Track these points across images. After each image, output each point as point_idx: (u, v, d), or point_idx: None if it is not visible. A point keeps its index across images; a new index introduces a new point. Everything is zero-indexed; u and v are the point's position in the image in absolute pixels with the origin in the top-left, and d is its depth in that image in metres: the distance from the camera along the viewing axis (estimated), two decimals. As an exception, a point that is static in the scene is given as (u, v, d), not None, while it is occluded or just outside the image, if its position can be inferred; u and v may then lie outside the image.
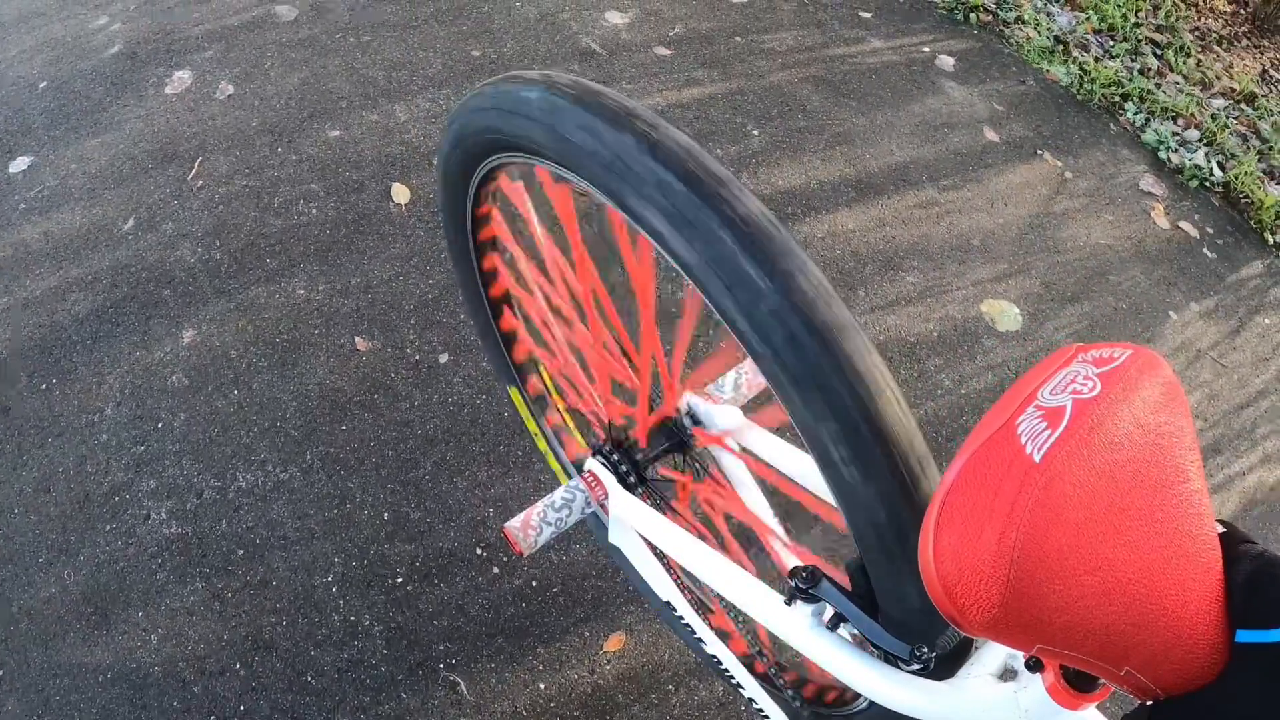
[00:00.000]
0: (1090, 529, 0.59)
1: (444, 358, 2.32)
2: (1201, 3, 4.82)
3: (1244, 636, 0.62)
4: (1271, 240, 3.48)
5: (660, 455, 1.34)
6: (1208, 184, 3.56)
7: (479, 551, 2.01)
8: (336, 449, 2.13)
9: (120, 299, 2.41)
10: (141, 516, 2.03)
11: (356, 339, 2.34)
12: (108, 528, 2.01)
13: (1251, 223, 3.52)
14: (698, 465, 1.39)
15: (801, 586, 0.94)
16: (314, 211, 2.63)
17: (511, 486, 2.11)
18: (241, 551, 1.98)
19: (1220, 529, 0.67)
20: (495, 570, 1.99)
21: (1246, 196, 3.59)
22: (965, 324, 2.65)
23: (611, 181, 0.91)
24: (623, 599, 1.98)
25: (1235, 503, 2.55)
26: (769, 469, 1.26)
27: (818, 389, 0.83)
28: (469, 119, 1.12)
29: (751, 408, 1.33)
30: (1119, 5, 4.26)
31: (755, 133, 3.00)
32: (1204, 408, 2.74)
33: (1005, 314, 2.72)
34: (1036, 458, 0.59)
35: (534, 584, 1.98)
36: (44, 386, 2.24)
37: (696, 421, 1.31)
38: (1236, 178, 3.62)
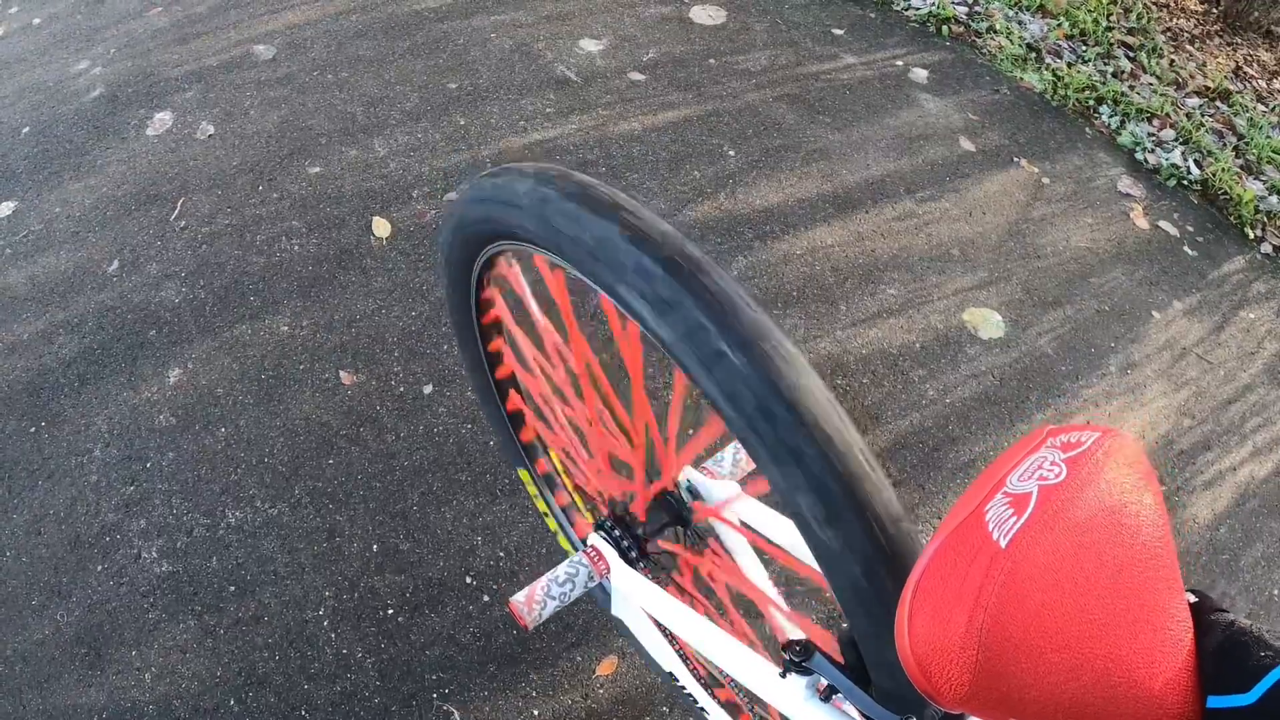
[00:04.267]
0: (1056, 609, 0.61)
1: (428, 389, 2.33)
2: (1173, 3, 4.86)
3: (1214, 702, 0.63)
4: (1251, 235, 3.51)
5: (660, 530, 1.36)
6: (1186, 182, 3.59)
7: (469, 580, 2.02)
8: (324, 483, 2.15)
9: (106, 340, 2.43)
10: (132, 556, 2.04)
11: (341, 373, 2.35)
12: (99, 568, 2.02)
13: (1231, 219, 3.54)
14: (698, 538, 1.40)
15: (795, 659, 0.96)
16: (296, 248, 2.65)
17: (499, 514, 2.12)
18: (232, 588, 1.99)
19: (1192, 599, 0.70)
20: (485, 599, 2.00)
21: (1225, 193, 3.61)
22: (948, 333, 2.67)
23: (597, 269, 0.94)
24: (613, 624, 1.99)
25: (1228, 498, 2.56)
26: (767, 542, 1.27)
27: (794, 464, 0.84)
28: (468, 210, 1.15)
29: (749, 481, 1.32)
30: (1090, 10, 4.30)
31: (732, 153, 3.02)
32: (1191, 405, 2.76)
33: (988, 321, 2.74)
34: (1003, 543, 0.62)
35: (525, 610, 1.99)
36: (33, 429, 2.26)
37: (695, 495, 1.33)
38: (1214, 175, 3.65)
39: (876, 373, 2.52)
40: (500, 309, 1.42)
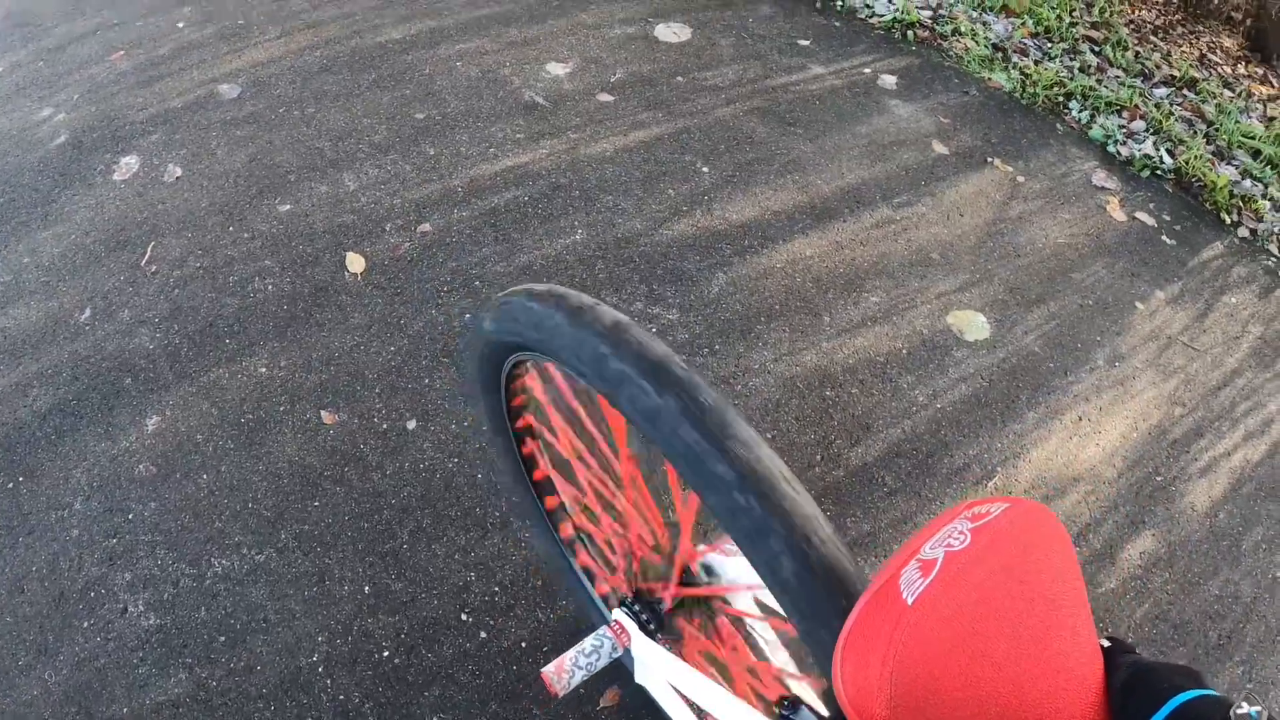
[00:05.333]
0: (959, 654, 0.71)
1: (412, 424, 2.30)
2: (1134, -3, 4.90)
3: None
4: (1228, 220, 3.52)
5: (677, 606, 1.47)
6: (1159, 172, 3.60)
7: (464, 617, 1.98)
8: (311, 526, 2.11)
9: (82, 391, 2.39)
10: (119, 610, 1.99)
11: (322, 413, 2.32)
12: (85, 624, 1.98)
13: (1207, 205, 3.55)
14: (712, 612, 1.50)
15: (784, 714, 1.14)
16: (270, 288, 2.62)
17: (491, 549, 2.08)
18: (223, 638, 1.95)
19: (1105, 644, 0.78)
20: (483, 635, 1.96)
21: (1199, 179, 3.62)
22: (933, 338, 2.66)
23: (598, 382, 1.10)
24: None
25: (1225, 484, 2.55)
26: (777, 617, 1.37)
27: (766, 544, 0.97)
28: (495, 326, 1.30)
29: None
30: (1053, 7, 4.32)
31: (705, 169, 3.01)
32: (1181, 393, 2.75)
33: (972, 323, 2.73)
34: (909, 601, 0.73)
35: (523, 645, 1.95)
36: (10, 485, 2.21)
37: (710, 573, 1.42)
38: (1187, 162, 3.65)
39: (864, 381, 2.50)
40: (530, 413, 1.58)
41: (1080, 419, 2.58)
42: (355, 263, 2.68)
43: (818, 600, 0.96)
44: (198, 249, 2.73)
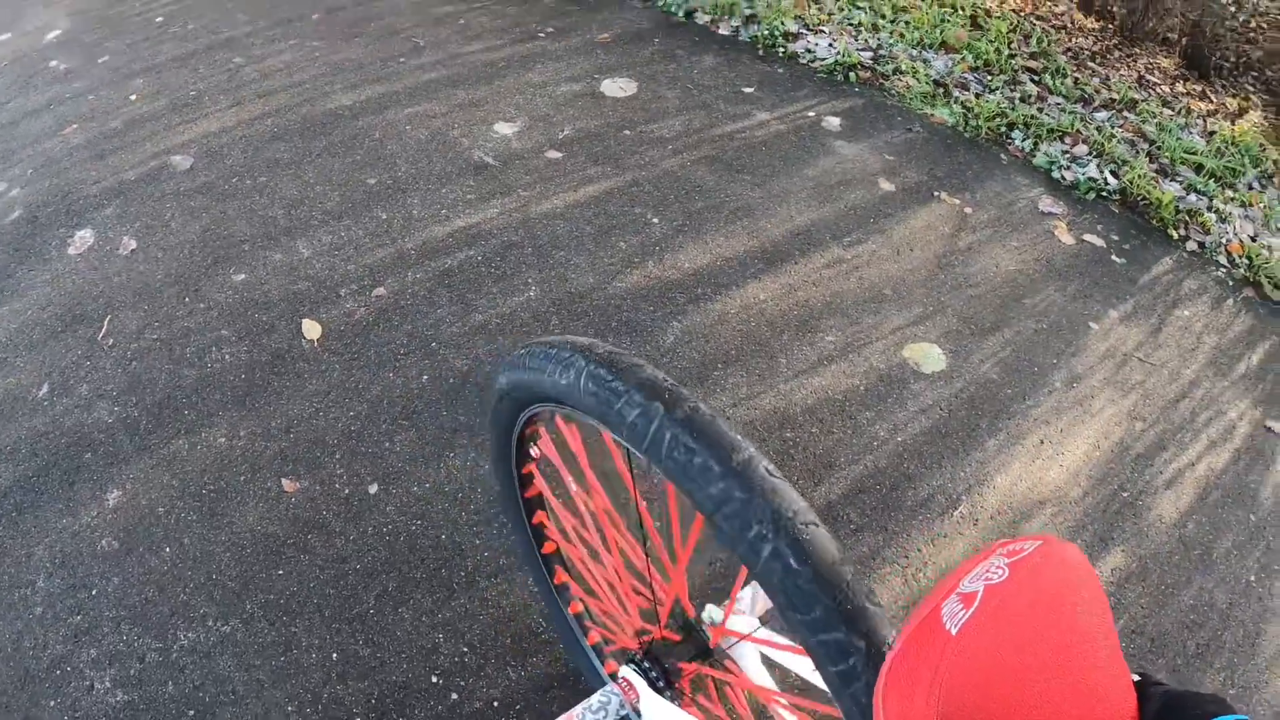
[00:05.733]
0: (1004, 684, 0.71)
1: (373, 488, 2.31)
2: (1070, 24, 5.01)
3: None
4: (1175, 235, 3.58)
5: (686, 661, 1.47)
6: (1104, 194, 3.66)
7: (435, 680, 1.98)
8: (276, 595, 2.11)
9: (42, 467, 2.39)
10: (85, 688, 1.98)
11: (284, 480, 2.33)
12: (52, 703, 1.96)
13: (1154, 222, 3.62)
14: (720, 667, 1.51)
15: None
16: (227, 357, 2.64)
17: (458, 609, 2.08)
18: (192, 712, 1.94)
19: (1136, 678, 0.78)
20: (454, 696, 1.96)
21: (1144, 198, 3.69)
22: (890, 372, 2.69)
23: (608, 416, 1.10)
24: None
25: (1191, 494, 2.59)
26: (782, 668, 1.41)
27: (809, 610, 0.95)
28: (511, 376, 1.31)
29: (768, 618, 1.48)
30: (991, 40, 4.41)
31: (655, 220, 3.05)
32: (1140, 408, 2.79)
33: (928, 356, 2.76)
34: (953, 632, 0.73)
35: (495, 704, 1.95)
36: (-28, 568, 2.21)
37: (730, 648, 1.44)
38: (1131, 182, 3.72)
39: (824, 420, 2.53)
40: (539, 481, 1.59)
41: (1042, 442, 2.61)
42: (312, 329, 2.71)
43: (861, 669, 0.96)
44: (154, 321, 2.75)
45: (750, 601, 1.52)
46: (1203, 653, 2.26)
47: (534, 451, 1.52)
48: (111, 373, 2.62)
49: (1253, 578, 2.47)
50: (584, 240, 2.99)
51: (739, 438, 1.03)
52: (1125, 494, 2.55)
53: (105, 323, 2.76)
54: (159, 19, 4.79)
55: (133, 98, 3.88)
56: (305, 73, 4.00)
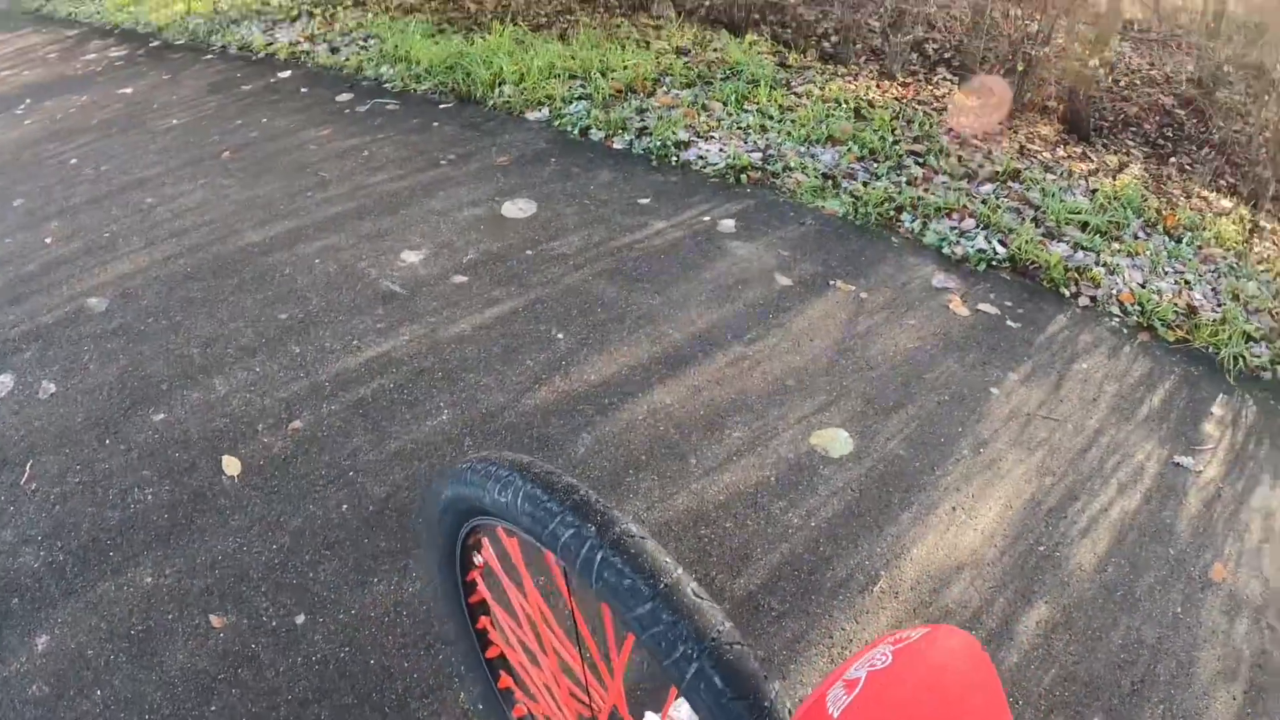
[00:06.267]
0: None
1: (300, 619, 2.32)
2: (949, 107, 5.23)
3: None
4: (1067, 293, 3.73)
5: None
6: (995, 263, 3.81)
7: (371, 824, 1.99)
8: (208, 747, 2.11)
9: (-33, 621, 2.38)
10: None
11: (211, 617, 2.33)
12: None
13: (1044, 283, 3.77)
14: None
15: None
16: (150, 498, 2.65)
17: (389, 743, 2.10)
18: None
19: None
20: (391, 839, 1.97)
21: (1033, 262, 3.85)
22: (799, 461, 2.76)
23: (543, 535, 1.13)
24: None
25: (1107, 538, 2.66)
26: None
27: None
28: (454, 490, 1.34)
29: None
30: (875, 130, 4.61)
31: (560, 336, 3.13)
32: (1048, 463, 2.88)
33: (836, 440, 2.84)
34: (835, 716, 0.77)
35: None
36: (-100, 736, 2.18)
37: None
38: (1019, 248, 3.88)
39: (738, 515, 2.58)
40: (481, 588, 1.60)
41: (955, 509, 2.69)
42: (231, 465, 2.73)
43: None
44: (76, 464, 2.76)
45: (688, 712, 1.55)
46: (1138, 689, 2.31)
47: (477, 559, 1.55)
48: (35, 517, 2.62)
49: (1179, 609, 2.54)
50: (492, 361, 3.07)
51: (668, 560, 1.07)
52: (1042, 548, 2.62)
53: (27, 467, 2.76)
54: (73, 160, 4.88)
55: (48, 240, 3.94)
56: (216, 211, 4.09)
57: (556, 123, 4.71)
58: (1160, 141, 6.16)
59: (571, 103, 4.75)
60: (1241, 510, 2.96)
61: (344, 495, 2.62)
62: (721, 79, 5.01)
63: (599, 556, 1.06)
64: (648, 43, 5.53)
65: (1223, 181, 5.78)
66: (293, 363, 3.10)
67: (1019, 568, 2.55)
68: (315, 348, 3.16)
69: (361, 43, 6.17)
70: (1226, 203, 5.30)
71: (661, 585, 1.03)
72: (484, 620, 1.69)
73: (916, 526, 2.61)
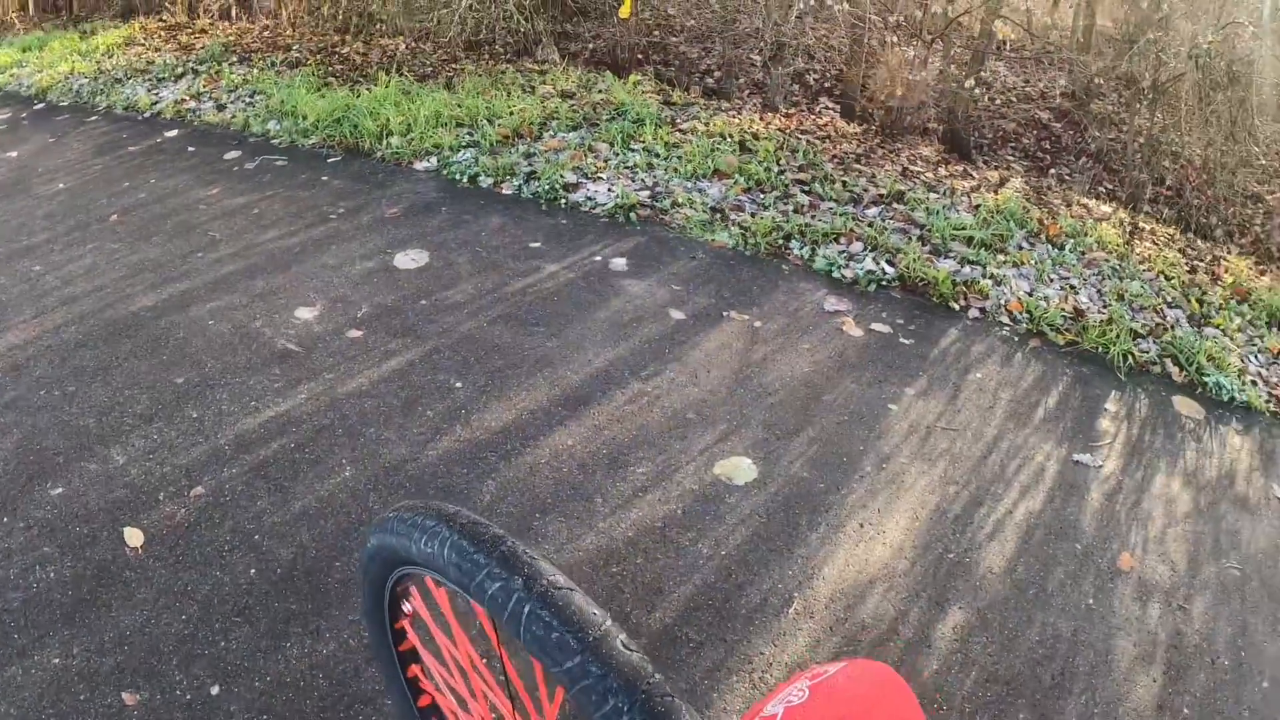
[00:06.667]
0: None
1: (215, 689, 2.25)
2: (834, 133, 5.36)
3: None
4: (957, 307, 3.82)
5: None
6: (884, 283, 3.89)
7: None
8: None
9: None
10: None
11: (124, 694, 2.24)
12: None
13: (934, 299, 3.86)
14: None
15: None
16: (51, 575, 2.55)
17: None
18: None
19: None
20: None
21: (921, 279, 3.94)
22: (705, 491, 2.77)
23: (470, 587, 1.12)
24: None
25: (1015, 540, 2.73)
26: None
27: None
28: (380, 539, 1.33)
29: None
30: (760, 161, 4.69)
31: (459, 385, 3.11)
32: (951, 472, 2.93)
33: (739, 469, 2.85)
34: None
35: None
36: None
37: None
38: (908, 267, 3.97)
39: (648, 550, 2.58)
40: (412, 636, 1.58)
41: (862, 525, 2.72)
42: (134, 537, 2.65)
43: None
44: None
45: None
46: (1059, 682, 2.35)
47: (406, 608, 1.53)
48: (-68, 606, 2.51)
49: (1091, 601, 2.60)
50: (392, 414, 3.03)
51: (596, 612, 1.06)
52: (951, 555, 2.66)
53: (-81, 558, 2.65)
54: (-45, 232, 4.73)
55: (-68, 318, 3.81)
56: (106, 275, 3.98)
57: (445, 171, 4.70)
58: (1039, 154, 6.38)
59: (459, 151, 4.75)
60: (1143, 500, 3.05)
61: (251, 559, 2.56)
62: (607, 120, 5.06)
63: (526, 610, 1.05)
64: (533, 87, 5.56)
65: (1101, 188, 6.01)
66: (191, 428, 3.02)
67: (930, 576, 2.59)
68: (213, 411, 3.09)
69: (248, 99, 6.10)
70: (1106, 208, 5.50)
71: (590, 638, 1.02)
72: (415, 668, 1.67)
73: (826, 546, 2.63)
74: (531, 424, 2.96)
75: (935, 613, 2.50)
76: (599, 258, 3.83)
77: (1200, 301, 4.49)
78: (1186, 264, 4.94)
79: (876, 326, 3.59)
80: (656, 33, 6.67)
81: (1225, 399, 3.80)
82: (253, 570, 2.53)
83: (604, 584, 2.47)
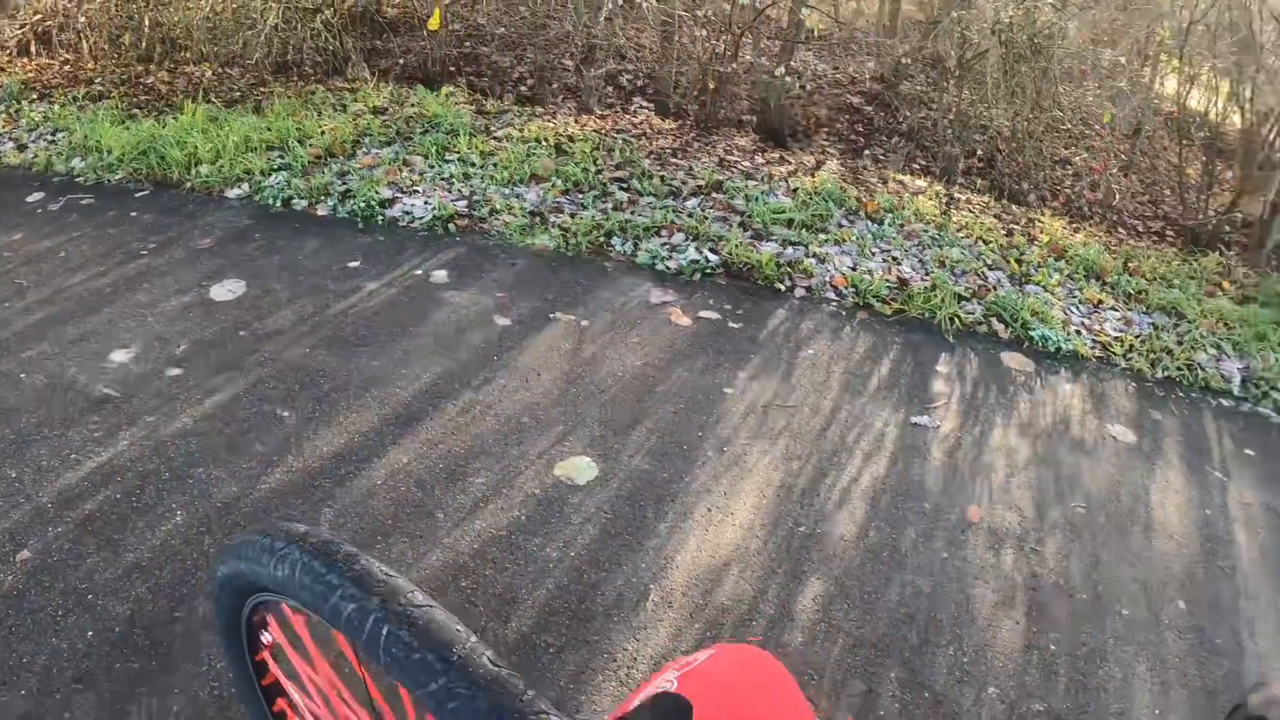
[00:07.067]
0: None
1: None
2: (650, 130, 5.41)
3: None
4: (783, 288, 3.90)
5: None
6: (709, 271, 3.95)
7: None
8: None
9: None
10: None
11: None
12: None
13: (760, 282, 3.93)
14: None
15: None
16: None
17: None
18: None
19: None
20: None
21: (745, 264, 4.01)
22: (547, 494, 2.75)
23: (325, 611, 1.06)
24: None
25: (863, 506, 2.82)
26: None
27: None
28: (229, 567, 1.25)
29: None
30: (578, 163, 4.69)
31: (286, 414, 3.00)
32: (792, 448, 3.00)
33: (579, 468, 2.85)
34: None
35: None
36: None
37: None
38: (731, 253, 4.04)
39: (496, 560, 2.54)
40: (272, 667, 1.49)
41: (710, 510, 2.74)
42: None
43: None
44: None
45: None
46: (926, 638, 2.43)
47: (265, 638, 1.45)
48: None
49: (945, 556, 2.69)
50: (220, 451, 2.90)
51: (459, 629, 1.01)
52: (802, 529, 2.71)
53: None
54: None
55: None
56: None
57: (258, 197, 4.54)
58: (853, 137, 6.57)
59: (271, 175, 4.60)
60: (983, 453, 3.18)
61: (87, 621, 2.41)
62: (421, 133, 4.98)
63: (384, 631, 1.00)
64: (344, 106, 5.44)
65: (916, 164, 6.24)
66: (10, 488, 2.83)
67: (784, 551, 2.64)
68: (33, 468, 2.90)
69: (50, 137, 5.76)
70: (921, 182, 5.72)
71: (454, 657, 0.98)
72: (281, 702, 1.60)
73: (676, 534, 2.65)
74: (364, 446, 2.89)
75: (794, 587, 2.54)
76: (419, 271, 3.76)
77: (1019, 262, 4.70)
78: (1003, 228, 5.18)
79: (704, 314, 3.63)
80: (468, 43, 6.61)
81: (1052, 350, 3.99)
82: (90, 633, 2.39)
83: (456, 600, 2.43)
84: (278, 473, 2.81)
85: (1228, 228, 6.39)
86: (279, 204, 4.40)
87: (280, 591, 1.18)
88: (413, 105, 5.37)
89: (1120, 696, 2.44)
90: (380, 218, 4.19)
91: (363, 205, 4.22)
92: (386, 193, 4.33)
